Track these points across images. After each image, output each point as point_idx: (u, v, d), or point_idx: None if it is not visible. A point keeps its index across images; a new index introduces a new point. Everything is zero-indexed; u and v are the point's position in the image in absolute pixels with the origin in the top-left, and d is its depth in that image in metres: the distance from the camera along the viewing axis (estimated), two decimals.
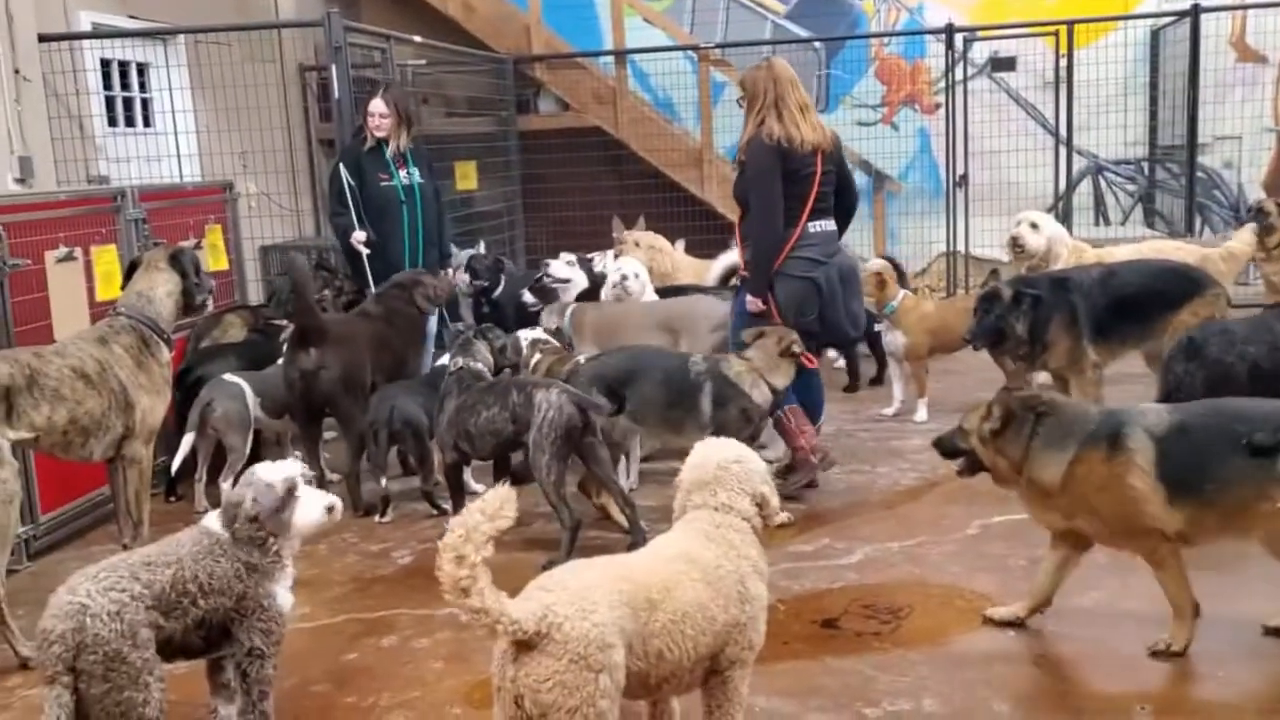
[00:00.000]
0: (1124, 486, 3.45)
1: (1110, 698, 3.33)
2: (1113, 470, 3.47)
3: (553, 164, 9.74)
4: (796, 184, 5.14)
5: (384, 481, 5.27)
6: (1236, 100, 10.34)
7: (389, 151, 6.39)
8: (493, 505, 2.44)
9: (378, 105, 6.31)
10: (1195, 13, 9.21)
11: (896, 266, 7.12)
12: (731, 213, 6.08)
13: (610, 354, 5.29)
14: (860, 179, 10.50)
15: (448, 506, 5.12)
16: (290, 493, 3.13)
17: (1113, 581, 3.84)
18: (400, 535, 5.10)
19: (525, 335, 5.67)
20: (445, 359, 5.34)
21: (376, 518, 5.27)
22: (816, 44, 10.79)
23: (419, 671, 3.73)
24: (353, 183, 6.33)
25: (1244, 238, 6.97)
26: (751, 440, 4.55)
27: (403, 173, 6.44)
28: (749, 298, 5.27)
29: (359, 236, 6.36)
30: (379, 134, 6.34)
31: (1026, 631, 3.77)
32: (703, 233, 9.00)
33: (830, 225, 5.32)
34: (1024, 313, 5.46)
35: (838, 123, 10.68)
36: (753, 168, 5.18)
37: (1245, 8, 10.18)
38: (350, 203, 6.36)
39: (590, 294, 7.10)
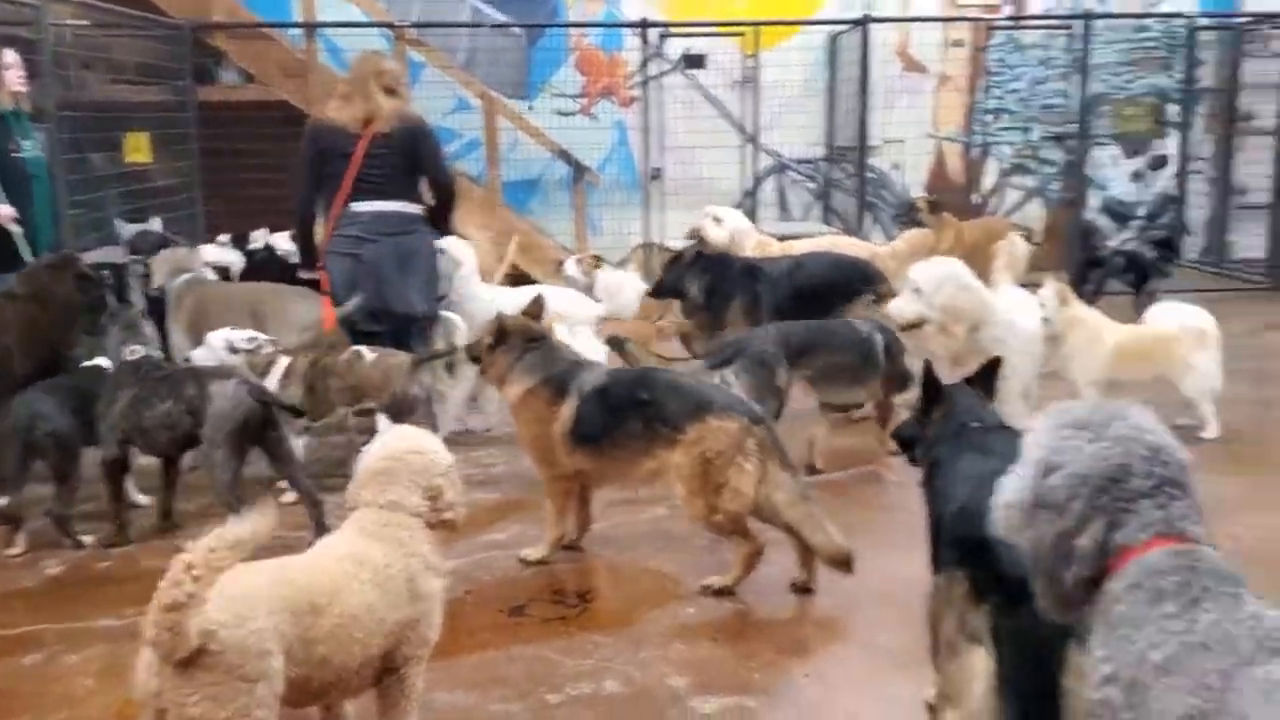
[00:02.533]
0: (546, 429, 4.12)
1: (775, 665, 3.48)
2: (546, 412, 4.13)
3: (236, 138, 9.11)
4: (330, 163, 5.37)
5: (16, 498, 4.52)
6: (902, 106, 11.23)
7: (21, 117, 5.75)
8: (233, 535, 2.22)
9: (10, 56, 5.65)
10: (865, 22, 9.87)
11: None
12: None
13: (784, 326, 5.31)
14: (560, 170, 10.60)
15: (86, 540, 4.52)
16: None
17: (787, 557, 4.03)
18: (48, 543, 4.58)
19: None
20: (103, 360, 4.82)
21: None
22: (516, 29, 10.76)
23: (68, 689, 3.40)
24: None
25: (909, 237, 7.63)
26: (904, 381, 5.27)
27: (27, 143, 5.83)
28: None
29: (7, 212, 5.65)
30: (17, 87, 5.67)
31: (705, 608, 3.90)
32: None
33: (384, 206, 5.42)
34: (699, 273, 5.98)
35: (538, 112, 10.75)
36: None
37: (908, 20, 11.08)
38: None
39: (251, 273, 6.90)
